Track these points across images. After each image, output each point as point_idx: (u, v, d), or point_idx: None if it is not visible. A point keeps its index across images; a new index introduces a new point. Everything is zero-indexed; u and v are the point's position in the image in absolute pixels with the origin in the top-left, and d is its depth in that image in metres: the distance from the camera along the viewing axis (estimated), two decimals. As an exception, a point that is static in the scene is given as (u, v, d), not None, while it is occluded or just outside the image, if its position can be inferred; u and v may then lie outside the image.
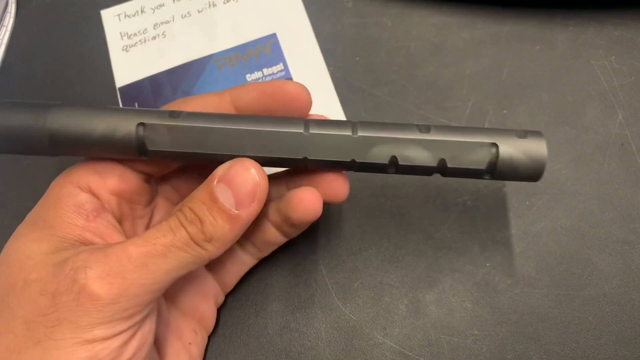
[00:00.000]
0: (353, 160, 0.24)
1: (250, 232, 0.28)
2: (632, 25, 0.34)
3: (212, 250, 0.22)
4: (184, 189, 0.28)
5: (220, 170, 0.23)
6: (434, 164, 0.23)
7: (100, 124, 0.23)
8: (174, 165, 0.27)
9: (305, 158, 0.24)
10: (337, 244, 0.31)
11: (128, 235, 0.25)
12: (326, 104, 0.34)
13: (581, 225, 0.30)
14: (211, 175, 0.23)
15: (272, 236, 0.28)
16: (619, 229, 0.30)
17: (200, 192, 0.23)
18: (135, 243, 0.21)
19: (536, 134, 0.24)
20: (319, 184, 0.25)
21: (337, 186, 0.25)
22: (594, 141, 0.32)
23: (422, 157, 0.23)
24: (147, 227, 0.27)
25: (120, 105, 0.35)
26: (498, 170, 0.23)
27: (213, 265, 0.28)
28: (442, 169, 0.24)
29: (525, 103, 0.33)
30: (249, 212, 0.23)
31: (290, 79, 0.34)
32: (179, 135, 0.23)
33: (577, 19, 0.35)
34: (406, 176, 0.25)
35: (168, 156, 0.24)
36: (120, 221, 0.25)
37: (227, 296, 0.30)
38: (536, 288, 0.29)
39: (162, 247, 0.21)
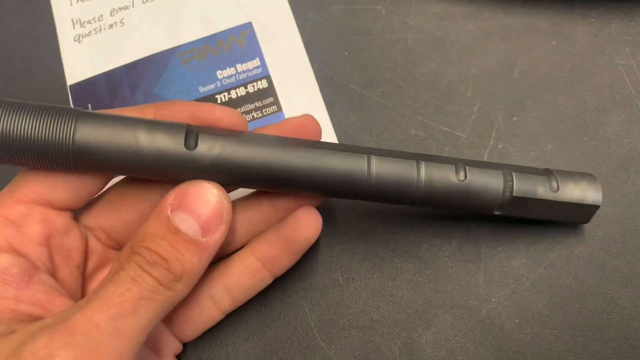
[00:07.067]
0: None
1: (228, 278, 0.24)
2: (664, 17, 0.29)
3: (182, 289, 0.20)
4: (110, 225, 0.24)
5: (171, 197, 0.19)
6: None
7: (142, 135, 0.20)
8: (101, 184, 0.22)
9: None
10: (320, 274, 0.27)
11: (69, 291, 0.21)
12: (309, 107, 0.29)
13: (601, 255, 0.26)
14: (161, 205, 0.19)
15: (259, 277, 0.24)
16: (644, 259, 0.26)
17: (154, 227, 0.19)
18: (98, 308, 0.18)
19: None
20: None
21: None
22: (617, 155, 0.28)
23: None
24: (84, 275, 0.23)
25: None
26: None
27: (173, 319, 0.24)
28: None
29: (538, 109, 0.29)
30: (218, 236, 0.20)
31: (268, 76, 0.30)
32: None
33: (600, 10, 0.30)
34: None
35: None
36: (54, 276, 0.21)
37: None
38: (548, 328, 0.25)
39: (131, 303, 0.18)
